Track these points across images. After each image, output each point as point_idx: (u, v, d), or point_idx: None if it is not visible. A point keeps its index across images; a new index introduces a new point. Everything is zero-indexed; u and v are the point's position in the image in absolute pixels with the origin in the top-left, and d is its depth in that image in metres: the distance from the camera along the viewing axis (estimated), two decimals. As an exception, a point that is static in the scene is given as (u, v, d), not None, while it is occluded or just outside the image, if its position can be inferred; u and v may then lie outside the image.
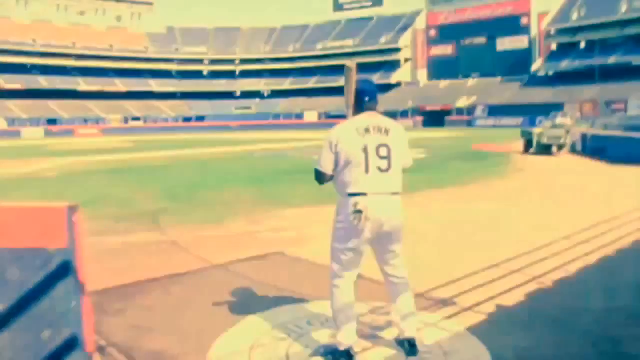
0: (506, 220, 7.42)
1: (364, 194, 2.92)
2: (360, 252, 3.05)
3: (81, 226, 2.00)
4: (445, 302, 4.01)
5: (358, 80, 3.16)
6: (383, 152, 2.97)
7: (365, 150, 2.94)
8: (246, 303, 4.10)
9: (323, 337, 3.38)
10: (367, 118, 3.06)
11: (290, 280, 4.68)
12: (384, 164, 2.96)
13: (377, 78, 68.14)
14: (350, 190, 2.95)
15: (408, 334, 3.15)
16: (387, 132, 3.04)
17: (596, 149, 17.66)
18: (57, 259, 1.94)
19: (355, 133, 2.98)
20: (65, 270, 1.96)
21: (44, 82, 69.51)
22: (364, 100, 3.13)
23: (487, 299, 4.06)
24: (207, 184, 11.96)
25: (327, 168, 3.03)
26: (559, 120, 20.76)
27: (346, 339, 3.06)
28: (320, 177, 3.10)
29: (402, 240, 3.14)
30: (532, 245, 5.59)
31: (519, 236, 6.24)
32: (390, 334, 3.37)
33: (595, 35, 60.11)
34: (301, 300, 4.10)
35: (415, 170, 3.27)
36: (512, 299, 4.06)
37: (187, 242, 6.21)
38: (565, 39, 63.05)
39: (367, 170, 2.93)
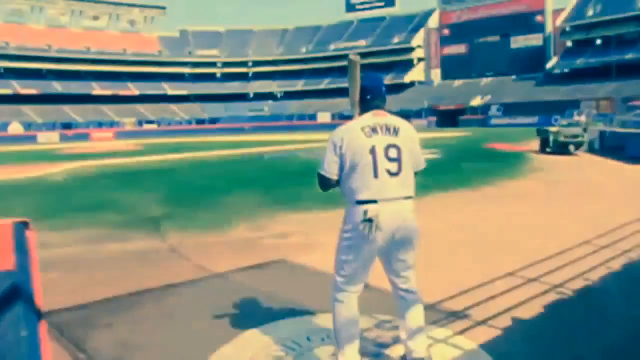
0: (522, 223, 7.08)
1: (373, 201, 2.65)
2: (368, 264, 2.78)
3: (32, 244, 1.75)
4: (456, 315, 3.72)
5: (362, 76, 2.88)
6: (392, 153, 2.70)
7: (372, 152, 2.67)
8: (243, 315, 3.86)
9: (323, 355, 3.13)
10: (374, 117, 2.81)
11: (292, 291, 4.43)
12: (393, 166, 2.69)
13: (390, 78, 67.71)
14: (358, 196, 2.68)
15: (416, 354, 2.87)
16: (396, 131, 2.77)
17: (615, 147, 17.18)
18: (3, 283, 1.70)
19: (361, 133, 2.71)
20: (13, 295, 1.71)
21: (58, 86, 70.10)
22: (367, 98, 2.86)
23: (502, 311, 3.76)
24: (213, 188, 11.75)
25: (332, 172, 2.76)
26: (576, 118, 20.28)
27: (347, 359, 2.79)
28: (324, 183, 2.82)
29: (416, 249, 2.86)
30: (551, 251, 5.26)
31: (536, 241, 5.90)
32: (396, 352, 3.10)
33: (611, 32, 58.94)
34: (302, 313, 3.84)
35: (427, 171, 2.99)
36: (529, 311, 3.76)
37: (188, 249, 5.97)
38: (581, 36, 61.91)
39: (375, 174, 2.66)
